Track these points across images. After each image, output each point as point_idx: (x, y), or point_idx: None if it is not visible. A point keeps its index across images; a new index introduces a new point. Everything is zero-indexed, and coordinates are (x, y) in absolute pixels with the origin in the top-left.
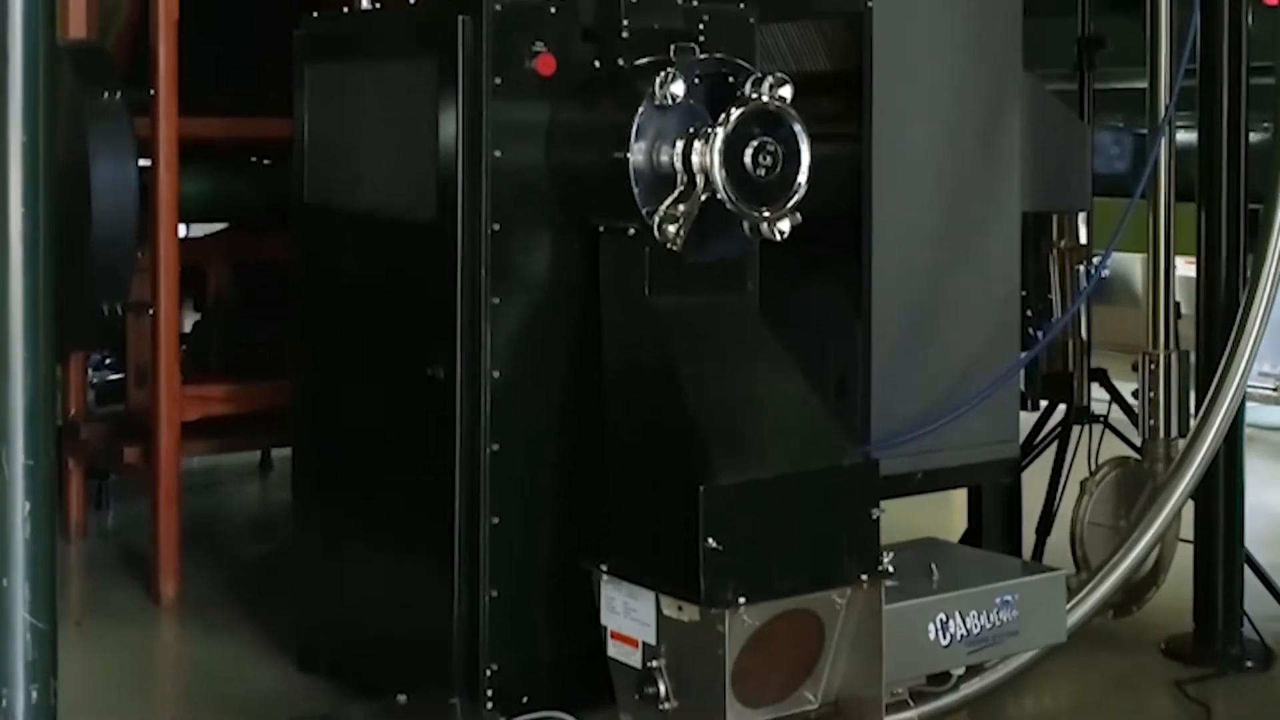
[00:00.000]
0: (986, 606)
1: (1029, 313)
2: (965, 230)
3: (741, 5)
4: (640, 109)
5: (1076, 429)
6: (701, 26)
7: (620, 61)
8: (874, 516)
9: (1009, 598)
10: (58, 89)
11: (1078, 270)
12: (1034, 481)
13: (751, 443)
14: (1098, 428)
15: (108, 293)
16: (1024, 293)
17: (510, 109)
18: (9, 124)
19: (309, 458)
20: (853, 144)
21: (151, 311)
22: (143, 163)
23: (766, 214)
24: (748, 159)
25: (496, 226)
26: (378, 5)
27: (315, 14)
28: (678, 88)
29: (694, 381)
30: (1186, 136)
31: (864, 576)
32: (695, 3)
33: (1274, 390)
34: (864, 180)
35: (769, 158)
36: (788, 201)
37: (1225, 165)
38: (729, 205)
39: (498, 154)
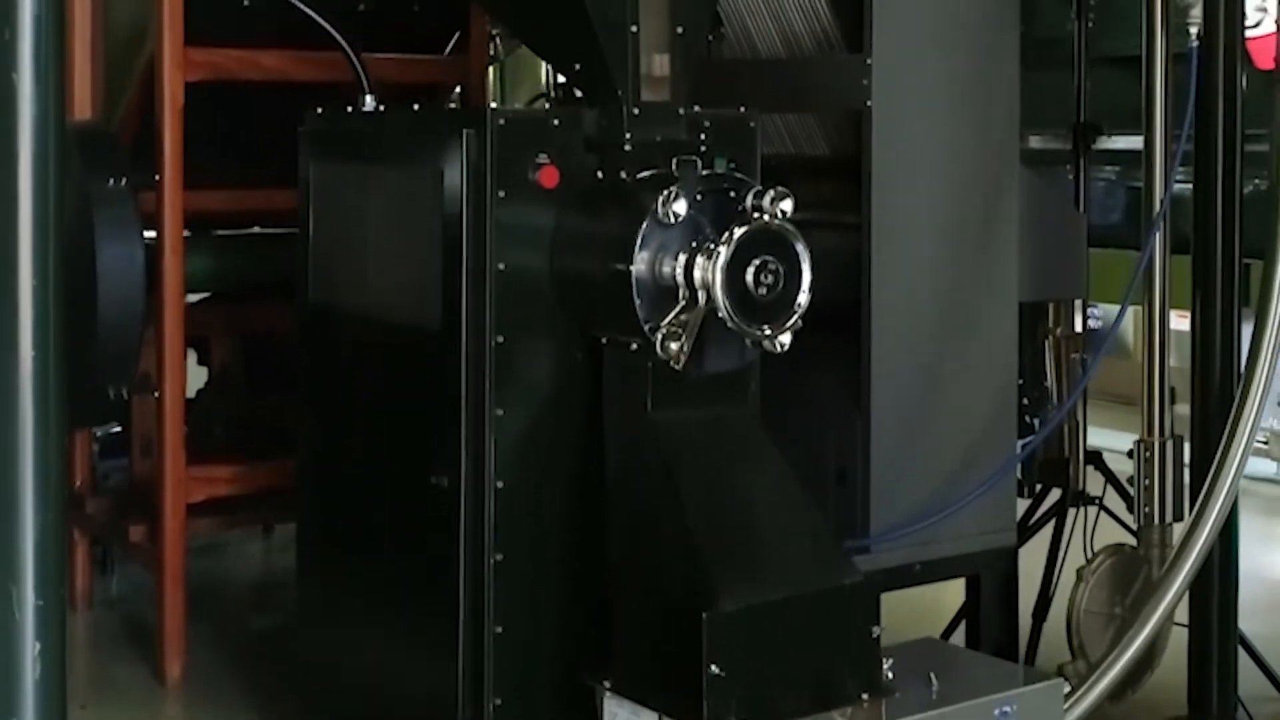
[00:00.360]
0: (985, 718)
1: (1025, 400)
2: (964, 320)
3: (742, 109)
4: (643, 223)
5: (1072, 511)
6: (704, 136)
7: (623, 174)
8: (874, 635)
9: (1008, 708)
10: (65, 173)
11: (1074, 359)
12: (1029, 559)
13: (753, 563)
14: (1092, 504)
15: (114, 376)
16: (1020, 381)
17: (514, 222)
18: (19, 209)
19: (313, 555)
20: (852, 232)
21: (157, 394)
22: (148, 234)
23: (767, 332)
24: (750, 278)
25: (500, 338)
26: (380, 108)
27: (319, 110)
28: (680, 206)
29: (696, 499)
30: (1181, 185)
31: (865, 695)
32: (697, 108)
33: (1265, 444)
34: (864, 270)
35: (771, 276)
36: (788, 320)
37: (1220, 222)
38: (729, 325)
39: (501, 266)
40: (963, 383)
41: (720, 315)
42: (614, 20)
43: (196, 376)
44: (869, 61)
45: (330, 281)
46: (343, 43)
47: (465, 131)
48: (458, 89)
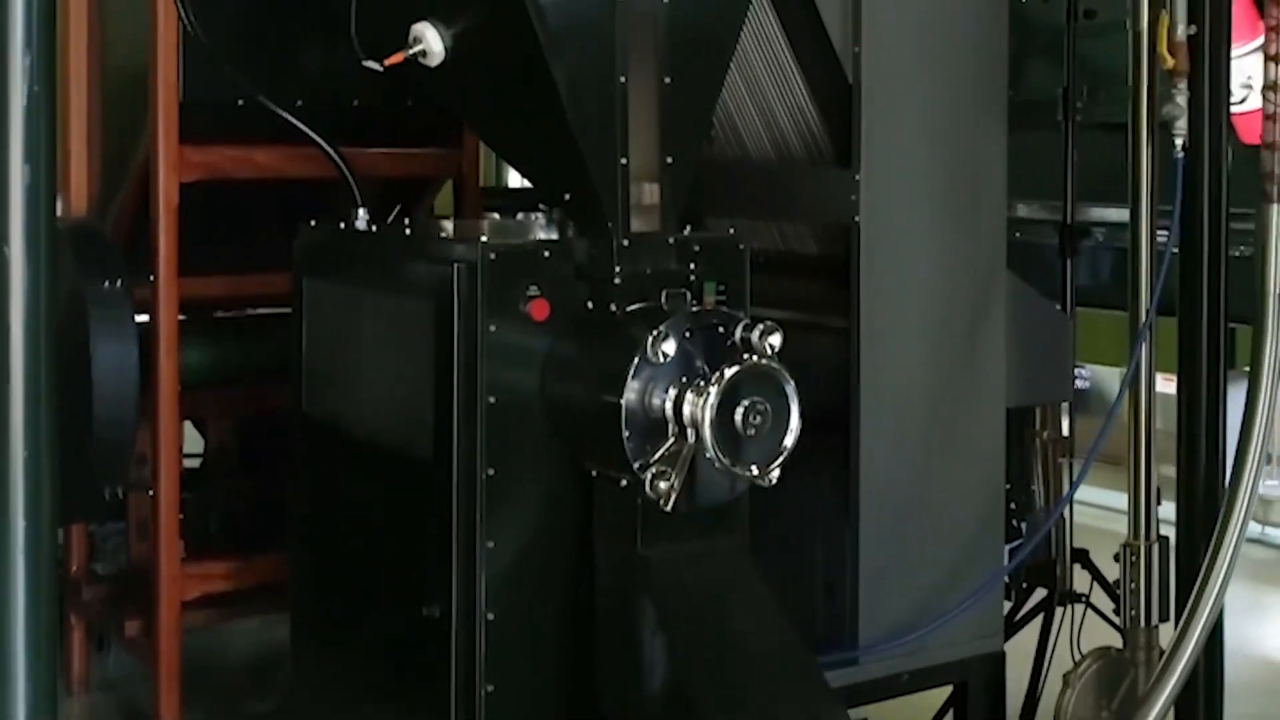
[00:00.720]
0: None
1: (1012, 505)
2: (952, 429)
3: (731, 231)
4: (634, 360)
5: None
6: (693, 265)
7: (613, 307)
8: None
9: None
10: (59, 273)
11: (1060, 463)
12: (1015, 654)
13: (739, 702)
14: (1078, 602)
15: (108, 477)
16: (1007, 485)
17: (504, 355)
18: (10, 310)
19: (306, 671)
20: (840, 336)
21: (151, 492)
22: (141, 317)
23: (754, 472)
24: (739, 418)
25: (491, 471)
26: (373, 226)
27: (312, 223)
28: (669, 346)
29: (684, 637)
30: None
31: None
32: (687, 230)
33: None
34: (852, 379)
35: (759, 417)
36: (775, 459)
37: (1205, 289)
38: (717, 465)
39: (492, 400)
40: (951, 491)
41: (708, 456)
42: (604, 152)
43: (193, 439)
44: (858, 178)
45: (324, 397)
46: (335, 157)
47: (456, 265)
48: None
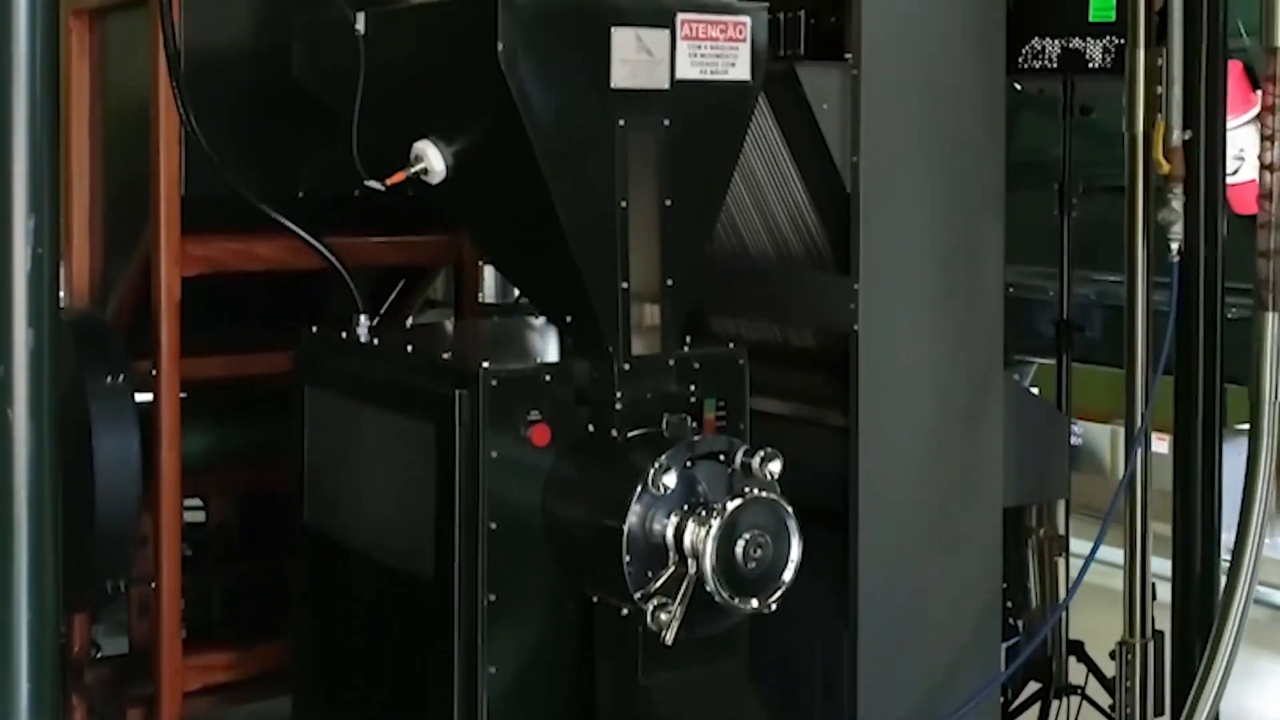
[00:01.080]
0: None
1: (1009, 604)
2: (949, 530)
3: (731, 345)
4: (635, 488)
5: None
6: (693, 386)
7: (614, 432)
8: None
9: None
10: (61, 366)
11: (1056, 562)
12: None
13: None
14: (1074, 695)
15: (110, 571)
16: (1004, 584)
17: (506, 481)
18: (15, 406)
19: None
20: (838, 434)
21: (154, 585)
22: (144, 396)
23: (754, 605)
24: (739, 551)
25: (493, 596)
26: (374, 340)
27: (314, 329)
28: (670, 479)
29: None
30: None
31: None
32: (687, 346)
33: None
34: (851, 482)
35: (759, 550)
36: (774, 592)
37: (1201, 404)
38: (717, 599)
39: (493, 525)
40: (948, 591)
41: (709, 589)
42: (605, 276)
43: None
44: (856, 287)
45: (326, 508)
46: (336, 263)
47: (458, 392)
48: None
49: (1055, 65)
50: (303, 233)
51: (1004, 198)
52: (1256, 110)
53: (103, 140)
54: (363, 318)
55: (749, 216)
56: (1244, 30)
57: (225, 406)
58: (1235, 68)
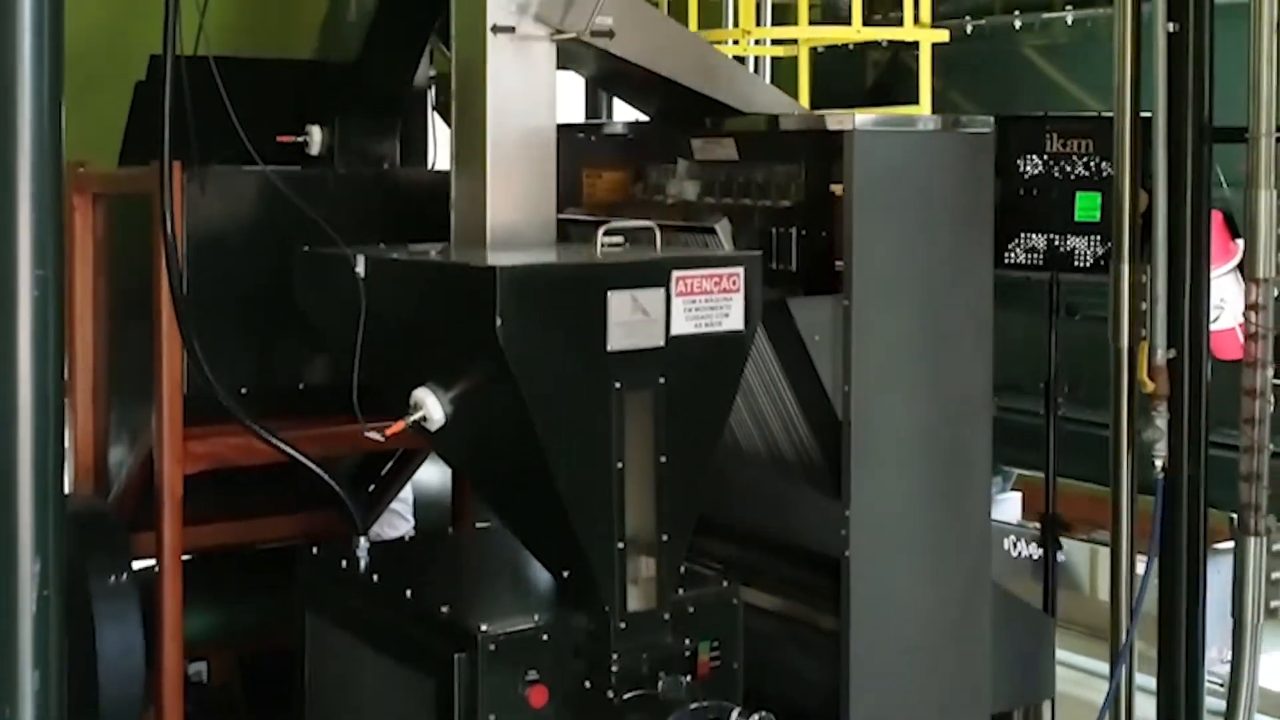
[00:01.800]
0: None
1: None
2: None
3: (725, 584)
4: None
5: None
6: (687, 640)
7: (610, 694)
8: None
9: None
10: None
11: None
12: None
13: None
14: None
15: None
16: None
17: None
18: (19, 597)
19: None
20: (829, 638)
21: None
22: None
23: None
24: None
25: None
26: (374, 577)
27: (314, 549)
28: None
29: None
30: None
31: None
32: (682, 591)
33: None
34: (842, 689)
35: None
36: None
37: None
38: None
39: None
40: None
41: None
42: (601, 535)
43: None
44: (847, 514)
45: None
46: (337, 488)
47: (457, 656)
48: None
49: (1043, 263)
50: (297, 453)
51: (991, 401)
52: (1237, 259)
53: (107, 321)
54: (363, 540)
55: (743, 422)
56: (1223, 180)
57: (227, 574)
58: (1215, 218)
